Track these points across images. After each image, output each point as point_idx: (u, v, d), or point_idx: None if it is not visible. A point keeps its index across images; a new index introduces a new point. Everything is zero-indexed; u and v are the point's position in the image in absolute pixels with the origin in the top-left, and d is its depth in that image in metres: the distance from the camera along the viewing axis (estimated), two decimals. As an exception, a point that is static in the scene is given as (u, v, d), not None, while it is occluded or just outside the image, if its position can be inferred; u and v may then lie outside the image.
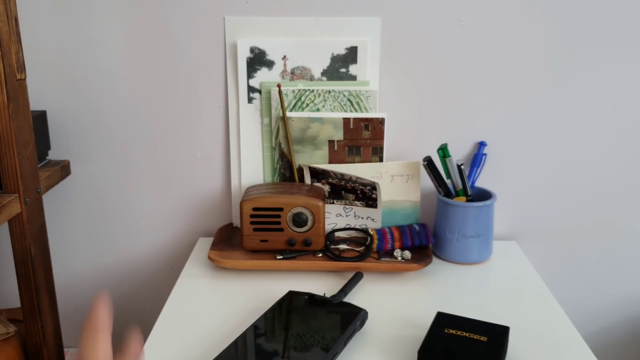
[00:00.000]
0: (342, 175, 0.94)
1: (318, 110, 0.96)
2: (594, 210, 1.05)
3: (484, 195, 0.97)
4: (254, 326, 0.70)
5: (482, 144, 1.01)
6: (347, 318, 0.72)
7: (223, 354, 0.63)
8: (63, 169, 0.99)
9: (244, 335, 0.67)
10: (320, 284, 0.87)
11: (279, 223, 0.89)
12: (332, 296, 0.78)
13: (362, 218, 0.97)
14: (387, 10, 0.95)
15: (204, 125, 1.01)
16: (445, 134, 1.01)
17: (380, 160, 0.97)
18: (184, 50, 0.97)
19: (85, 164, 1.03)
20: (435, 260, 0.95)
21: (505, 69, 0.98)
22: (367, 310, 0.75)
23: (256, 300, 0.82)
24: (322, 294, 0.78)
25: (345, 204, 0.96)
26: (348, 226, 0.97)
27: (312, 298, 0.77)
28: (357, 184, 0.94)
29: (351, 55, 0.96)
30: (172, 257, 1.09)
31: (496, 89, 0.99)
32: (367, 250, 0.93)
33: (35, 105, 0.96)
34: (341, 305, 0.76)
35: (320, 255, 0.92)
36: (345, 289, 0.81)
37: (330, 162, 0.97)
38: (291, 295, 0.78)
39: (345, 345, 0.68)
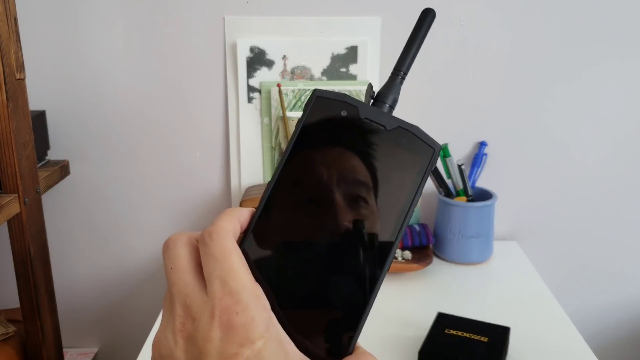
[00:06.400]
0: (342, 175, 0.94)
1: (318, 110, 0.96)
2: (595, 210, 1.05)
3: (484, 196, 0.97)
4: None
5: (482, 144, 1.01)
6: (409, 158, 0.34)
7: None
8: (62, 169, 0.99)
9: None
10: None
11: (279, 223, 0.89)
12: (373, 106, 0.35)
13: (362, 218, 0.96)
14: (387, 10, 0.95)
15: (204, 125, 1.01)
16: (445, 134, 1.01)
17: (381, 160, 0.97)
18: (184, 50, 0.97)
19: (85, 164, 1.03)
20: (435, 260, 0.95)
21: (506, 69, 0.98)
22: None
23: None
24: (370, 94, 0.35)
25: (346, 204, 0.96)
26: (348, 226, 0.97)
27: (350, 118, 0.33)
28: (357, 184, 0.94)
29: (351, 55, 0.96)
30: (172, 257, 1.09)
31: (496, 89, 0.99)
32: (368, 251, 0.92)
33: (34, 105, 0.96)
34: (401, 135, 0.34)
35: (320, 255, 0.91)
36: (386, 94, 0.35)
37: (331, 162, 0.97)
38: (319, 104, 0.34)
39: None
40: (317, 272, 0.30)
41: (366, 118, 0.32)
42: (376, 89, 0.34)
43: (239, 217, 0.30)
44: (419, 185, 0.31)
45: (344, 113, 0.31)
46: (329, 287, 0.30)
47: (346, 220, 0.30)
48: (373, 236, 0.31)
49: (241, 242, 0.30)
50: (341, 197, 0.30)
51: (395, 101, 0.33)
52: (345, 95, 0.31)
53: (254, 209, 0.31)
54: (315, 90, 0.31)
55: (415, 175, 0.31)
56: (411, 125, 0.32)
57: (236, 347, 0.26)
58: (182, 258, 0.29)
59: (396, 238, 0.30)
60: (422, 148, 0.31)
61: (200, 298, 0.28)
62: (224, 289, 0.27)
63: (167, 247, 0.30)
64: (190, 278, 0.28)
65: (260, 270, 0.29)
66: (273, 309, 0.28)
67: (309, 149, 0.31)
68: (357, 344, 0.30)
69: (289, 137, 0.33)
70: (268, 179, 1.00)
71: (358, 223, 0.31)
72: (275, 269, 0.30)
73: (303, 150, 0.31)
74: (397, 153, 0.31)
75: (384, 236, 0.31)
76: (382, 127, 0.32)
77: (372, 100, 0.33)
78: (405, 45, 0.32)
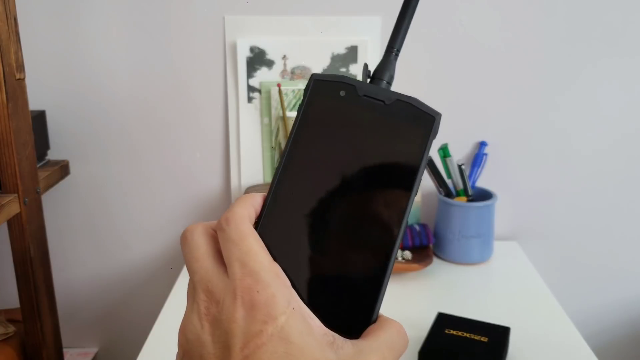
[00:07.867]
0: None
1: (318, 110, 0.96)
2: (595, 210, 1.05)
3: (484, 195, 0.97)
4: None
5: (482, 144, 1.01)
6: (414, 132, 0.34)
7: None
8: (62, 169, 0.99)
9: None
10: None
11: (279, 223, 0.89)
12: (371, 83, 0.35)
13: (363, 218, 0.96)
14: (387, 9, 0.95)
15: (204, 125, 1.01)
16: (445, 134, 1.01)
17: (381, 160, 0.97)
18: (184, 49, 0.97)
19: (85, 164, 1.03)
20: (435, 260, 0.95)
21: (506, 69, 0.98)
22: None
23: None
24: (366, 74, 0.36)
25: (346, 204, 0.96)
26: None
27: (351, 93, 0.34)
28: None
29: (351, 54, 0.96)
30: (172, 257, 1.09)
31: (497, 89, 0.99)
32: (368, 251, 0.92)
33: (34, 105, 0.96)
34: (401, 107, 0.34)
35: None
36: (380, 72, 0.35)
37: (331, 162, 0.97)
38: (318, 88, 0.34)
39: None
40: (332, 248, 0.31)
41: (365, 95, 0.32)
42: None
43: (252, 203, 0.31)
44: (424, 152, 0.32)
45: (342, 93, 0.32)
46: (345, 262, 0.31)
47: (355, 197, 0.31)
48: (384, 209, 0.32)
49: (256, 226, 0.31)
50: (347, 175, 0.31)
51: (391, 77, 0.34)
52: (342, 75, 0.32)
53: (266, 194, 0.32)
54: (312, 75, 0.32)
55: (419, 144, 0.32)
56: (409, 97, 0.32)
57: (260, 325, 0.27)
58: (201, 247, 0.30)
59: (407, 207, 0.32)
60: (422, 118, 0.32)
61: (221, 282, 0.29)
62: (243, 270, 0.28)
63: (184, 238, 0.31)
64: (210, 264, 0.29)
65: (276, 252, 0.30)
66: (292, 287, 0.29)
67: (311, 132, 0.32)
68: (379, 313, 0.31)
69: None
70: (268, 179, 1.00)
71: (368, 199, 0.32)
72: (290, 249, 0.31)
73: (306, 134, 0.32)
74: (399, 125, 0.32)
75: (395, 207, 0.32)
76: (381, 102, 0.32)
77: (369, 79, 0.34)
78: (395, 23, 0.33)
